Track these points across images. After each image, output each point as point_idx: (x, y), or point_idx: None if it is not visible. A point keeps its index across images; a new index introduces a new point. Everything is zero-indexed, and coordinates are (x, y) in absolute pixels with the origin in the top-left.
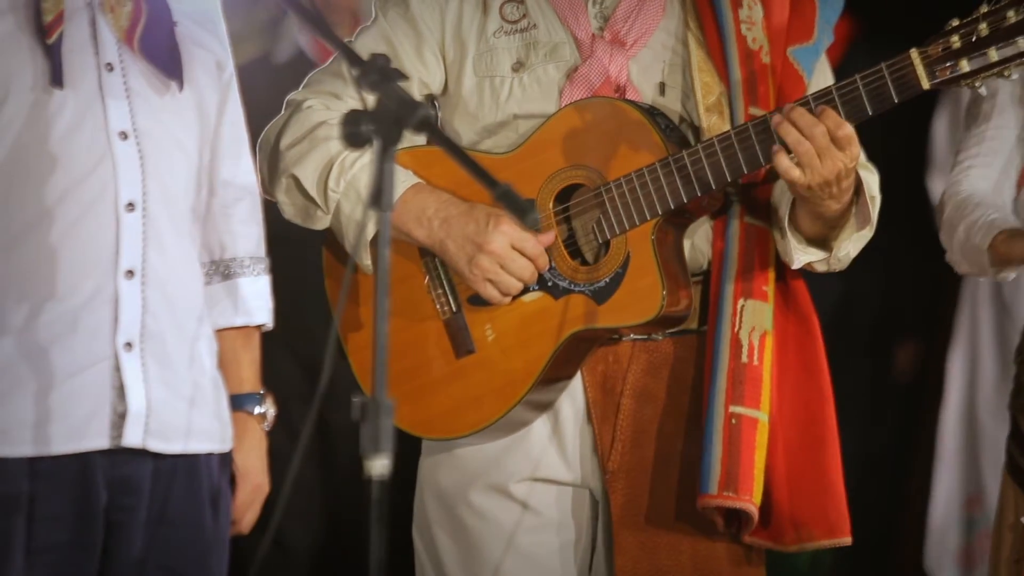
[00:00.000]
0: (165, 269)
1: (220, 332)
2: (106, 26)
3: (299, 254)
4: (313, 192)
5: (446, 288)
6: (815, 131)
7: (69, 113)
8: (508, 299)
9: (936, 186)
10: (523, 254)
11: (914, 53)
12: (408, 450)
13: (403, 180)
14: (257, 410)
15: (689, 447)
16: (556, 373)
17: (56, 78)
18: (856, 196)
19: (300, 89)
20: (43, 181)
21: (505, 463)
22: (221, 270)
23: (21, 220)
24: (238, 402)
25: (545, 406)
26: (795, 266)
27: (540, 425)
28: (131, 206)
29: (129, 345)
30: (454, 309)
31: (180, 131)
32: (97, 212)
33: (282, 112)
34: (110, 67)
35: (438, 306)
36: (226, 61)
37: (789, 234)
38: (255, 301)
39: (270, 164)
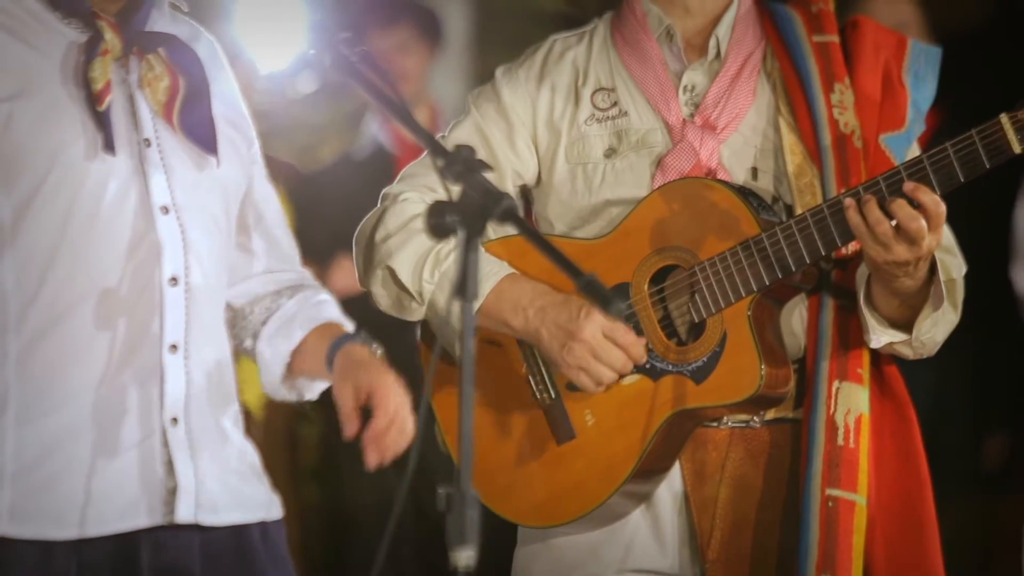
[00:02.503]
0: (205, 343)
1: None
2: (143, 101)
3: (390, 350)
4: (408, 284)
5: (544, 375)
6: (878, 229)
7: (114, 187)
8: (601, 388)
9: (1020, 277)
10: (615, 343)
11: (1004, 118)
12: (502, 538)
13: (497, 271)
14: (363, 341)
15: (787, 536)
16: (655, 459)
17: (108, 143)
18: (931, 276)
19: (396, 182)
20: (90, 255)
21: (602, 554)
22: (288, 293)
23: (68, 295)
24: (340, 342)
25: (643, 497)
26: (873, 346)
27: (638, 515)
28: (174, 280)
29: (175, 420)
30: (553, 396)
31: (215, 206)
32: (142, 287)
33: (378, 205)
34: (148, 142)
35: (537, 393)
36: (253, 138)
37: (865, 312)
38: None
39: (365, 257)
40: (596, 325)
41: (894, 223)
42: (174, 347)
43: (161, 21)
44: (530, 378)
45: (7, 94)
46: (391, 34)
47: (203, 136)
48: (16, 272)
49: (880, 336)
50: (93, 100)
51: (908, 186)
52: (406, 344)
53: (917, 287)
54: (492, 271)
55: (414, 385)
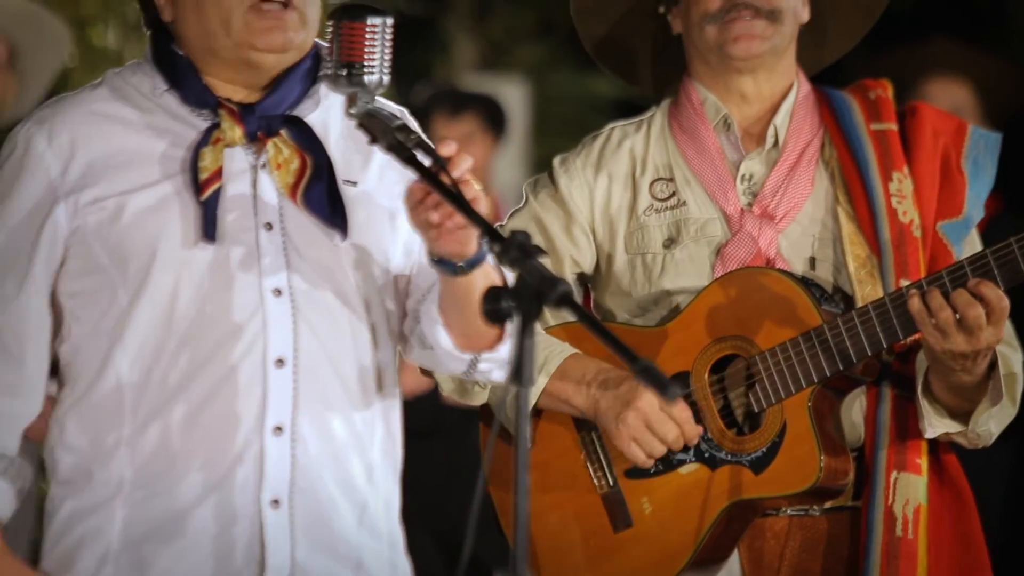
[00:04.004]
0: (322, 426)
1: None
2: (269, 185)
3: (455, 448)
4: None
5: (603, 462)
6: (940, 315)
7: (221, 272)
8: (651, 462)
9: None
10: (671, 417)
11: None
12: None
13: (561, 351)
14: None
15: None
16: (713, 549)
17: (208, 232)
18: (991, 370)
19: None
20: (194, 339)
21: None
22: None
23: (175, 380)
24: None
25: None
26: (928, 435)
27: None
28: (281, 362)
29: (276, 503)
30: (611, 483)
31: (343, 287)
32: (245, 367)
33: None
34: (269, 226)
35: (595, 480)
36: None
37: (923, 402)
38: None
39: None
40: (654, 396)
41: (957, 316)
42: (279, 429)
43: (309, 106)
44: (588, 465)
45: (122, 189)
46: (457, 124)
47: (328, 212)
48: (130, 358)
49: (936, 427)
50: (198, 189)
51: (971, 283)
52: (471, 443)
53: (975, 383)
54: (557, 351)
55: (474, 475)
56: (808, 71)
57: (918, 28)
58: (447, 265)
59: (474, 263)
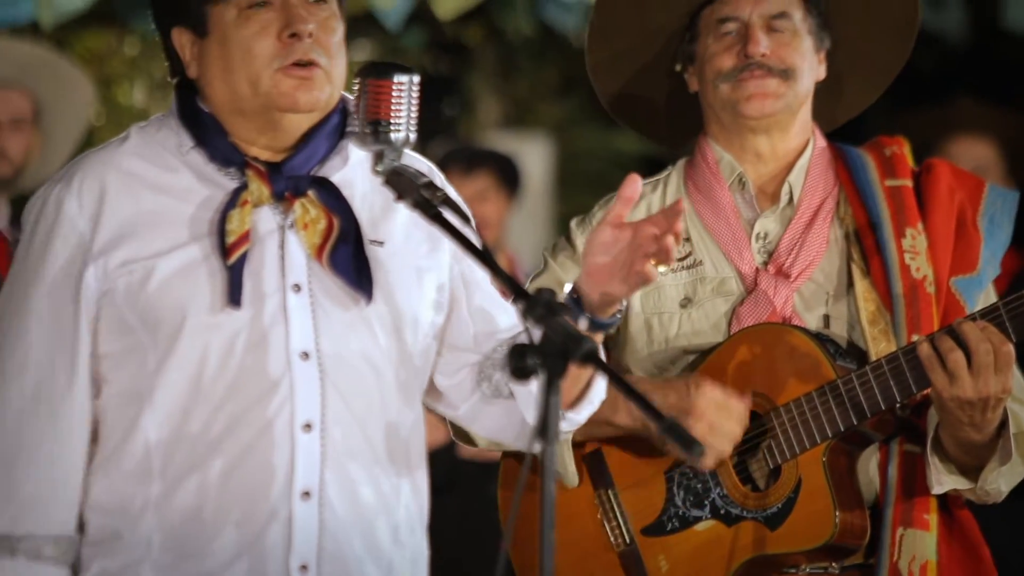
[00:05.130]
0: (349, 490)
1: None
2: (297, 245)
3: (463, 497)
4: None
5: (619, 520)
6: (950, 357)
7: (249, 335)
8: (719, 463)
9: None
10: (729, 414)
11: None
12: None
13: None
14: None
15: None
16: None
17: (234, 298)
18: (1001, 429)
19: None
20: (222, 404)
21: None
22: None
23: (203, 443)
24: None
25: None
26: (936, 491)
27: None
28: (308, 427)
29: (304, 568)
30: (627, 540)
31: (371, 348)
32: (272, 433)
33: None
34: (297, 288)
35: (612, 538)
36: (445, 268)
37: (933, 458)
38: None
39: None
40: (709, 399)
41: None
42: (307, 494)
43: (337, 163)
44: (605, 522)
45: (150, 252)
46: (471, 182)
47: (354, 275)
48: (158, 421)
49: (944, 483)
50: (225, 253)
51: (979, 324)
52: (488, 497)
53: (985, 441)
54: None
55: (495, 535)
56: (825, 128)
57: (943, 87)
58: (591, 319)
59: (614, 322)
